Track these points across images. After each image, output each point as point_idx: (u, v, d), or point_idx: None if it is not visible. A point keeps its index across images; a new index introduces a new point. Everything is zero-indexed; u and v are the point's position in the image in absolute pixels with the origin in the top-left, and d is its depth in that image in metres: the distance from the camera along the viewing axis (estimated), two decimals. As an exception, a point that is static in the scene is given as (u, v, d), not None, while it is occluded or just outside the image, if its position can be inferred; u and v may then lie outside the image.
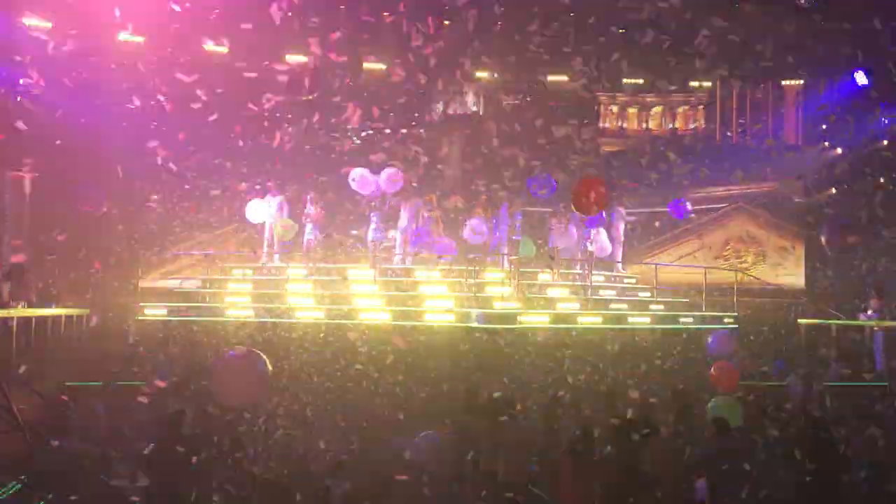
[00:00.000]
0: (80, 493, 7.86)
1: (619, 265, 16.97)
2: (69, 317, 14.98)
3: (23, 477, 7.26)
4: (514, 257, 15.35)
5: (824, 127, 21.35)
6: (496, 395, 9.99)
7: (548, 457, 8.72)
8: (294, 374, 12.71)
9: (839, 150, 21.01)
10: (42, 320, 14.21)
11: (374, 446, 10.25)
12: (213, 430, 10.21)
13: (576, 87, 20.48)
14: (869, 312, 15.04)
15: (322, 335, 14.09)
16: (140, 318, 14.54)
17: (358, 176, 15.26)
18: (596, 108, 21.83)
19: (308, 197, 15.57)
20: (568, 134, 20.28)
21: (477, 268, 15.66)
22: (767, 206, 20.88)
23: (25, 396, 8.55)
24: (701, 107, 22.24)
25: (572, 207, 14.17)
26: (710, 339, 14.27)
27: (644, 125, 22.17)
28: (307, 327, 14.27)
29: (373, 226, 15.19)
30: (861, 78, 19.67)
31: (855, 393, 12.77)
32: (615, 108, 21.90)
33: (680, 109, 22.27)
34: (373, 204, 15.16)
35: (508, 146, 19.92)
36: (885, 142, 19.96)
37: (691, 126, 22.28)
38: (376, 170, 15.49)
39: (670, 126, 22.25)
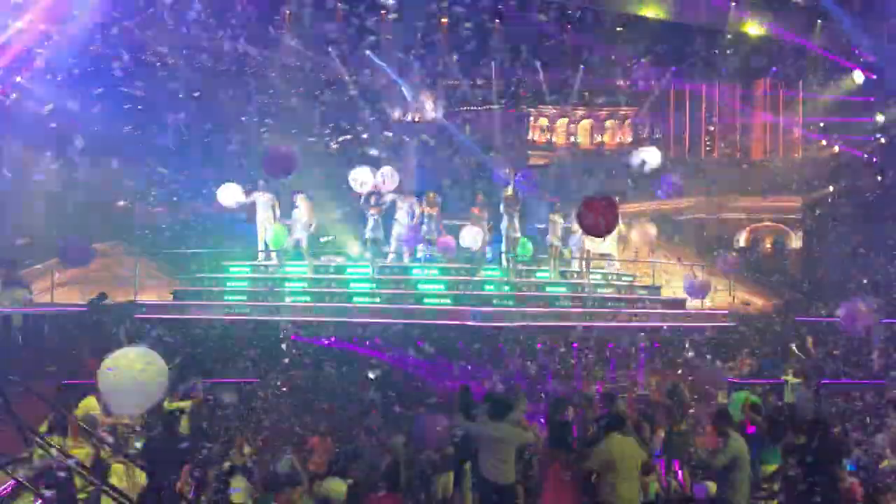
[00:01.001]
0: (78, 491, 7.88)
1: (616, 263, 17.06)
2: (67, 314, 14.94)
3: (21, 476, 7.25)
4: (513, 255, 15.40)
5: (822, 125, 21.38)
6: (494, 393, 10.01)
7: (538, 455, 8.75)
8: (291, 373, 12.76)
9: (836, 149, 21.05)
10: (40, 317, 14.19)
11: (372, 442, 10.28)
12: (210, 427, 10.26)
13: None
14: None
15: (319, 333, 14.10)
16: (138, 315, 14.52)
17: (359, 174, 15.28)
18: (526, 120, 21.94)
19: (294, 196, 15.50)
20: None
21: (475, 266, 15.75)
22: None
23: (24, 395, 8.53)
24: (628, 121, 22.22)
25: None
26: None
27: (572, 139, 22.12)
28: (304, 325, 14.28)
29: (371, 224, 15.19)
30: (858, 76, 19.69)
31: (852, 390, 12.81)
32: (544, 122, 21.88)
33: (608, 123, 22.24)
34: (372, 202, 15.16)
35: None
36: (882, 139, 19.99)
37: (618, 140, 22.24)
38: (374, 169, 15.58)
39: (598, 140, 22.19)
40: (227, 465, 8.46)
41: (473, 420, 8.36)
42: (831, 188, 21.01)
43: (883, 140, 19.82)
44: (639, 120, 22.36)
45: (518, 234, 15.48)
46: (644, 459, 7.46)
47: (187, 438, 9.20)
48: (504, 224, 15.34)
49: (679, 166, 21.33)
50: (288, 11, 19.82)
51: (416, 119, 20.31)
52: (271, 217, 15.47)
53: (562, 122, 21.88)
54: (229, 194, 15.13)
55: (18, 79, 17.04)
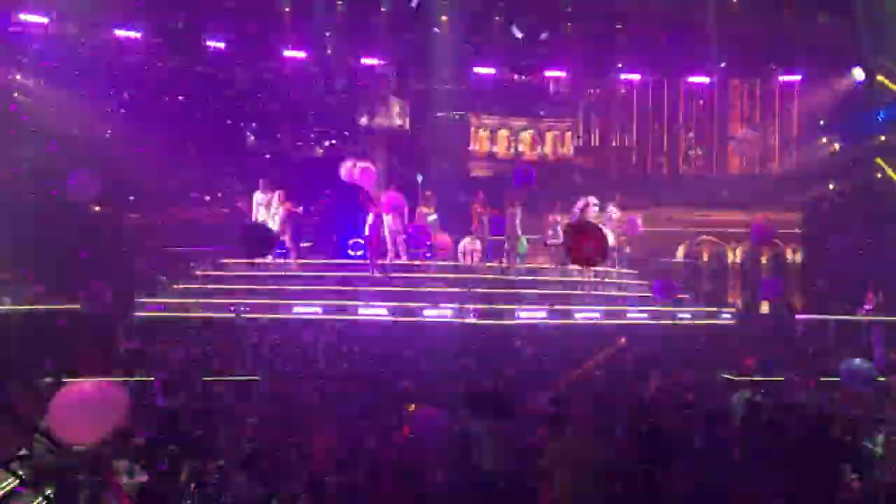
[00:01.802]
0: (78, 490, 7.87)
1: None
2: (67, 312, 14.92)
3: (21, 474, 7.25)
4: (514, 253, 15.44)
5: (822, 122, 21.35)
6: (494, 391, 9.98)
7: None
8: (291, 371, 12.73)
9: (837, 147, 21.01)
10: (40, 315, 14.18)
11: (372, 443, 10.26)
12: (208, 426, 10.25)
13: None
14: (866, 308, 15.08)
15: (320, 331, 14.10)
16: (140, 314, 14.52)
17: (360, 171, 15.30)
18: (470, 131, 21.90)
19: (276, 195, 15.44)
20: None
21: (475, 264, 15.78)
22: None
23: (24, 393, 8.54)
24: (569, 132, 22.09)
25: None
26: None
27: (513, 149, 22.01)
28: (305, 324, 14.29)
29: (370, 222, 15.20)
30: (858, 74, 19.66)
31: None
32: (484, 132, 21.84)
33: (549, 134, 22.12)
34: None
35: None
36: (882, 137, 19.95)
37: (561, 151, 22.13)
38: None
39: (539, 151, 22.07)
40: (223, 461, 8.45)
41: (476, 416, 8.35)
42: (831, 186, 20.94)
43: (883, 137, 19.80)
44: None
45: (519, 232, 15.50)
46: (602, 457, 7.35)
47: (187, 436, 9.19)
48: (505, 222, 15.38)
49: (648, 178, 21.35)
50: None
51: (383, 125, 20.37)
52: (270, 216, 15.49)
53: (503, 133, 21.84)
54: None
55: (18, 77, 17.05)
